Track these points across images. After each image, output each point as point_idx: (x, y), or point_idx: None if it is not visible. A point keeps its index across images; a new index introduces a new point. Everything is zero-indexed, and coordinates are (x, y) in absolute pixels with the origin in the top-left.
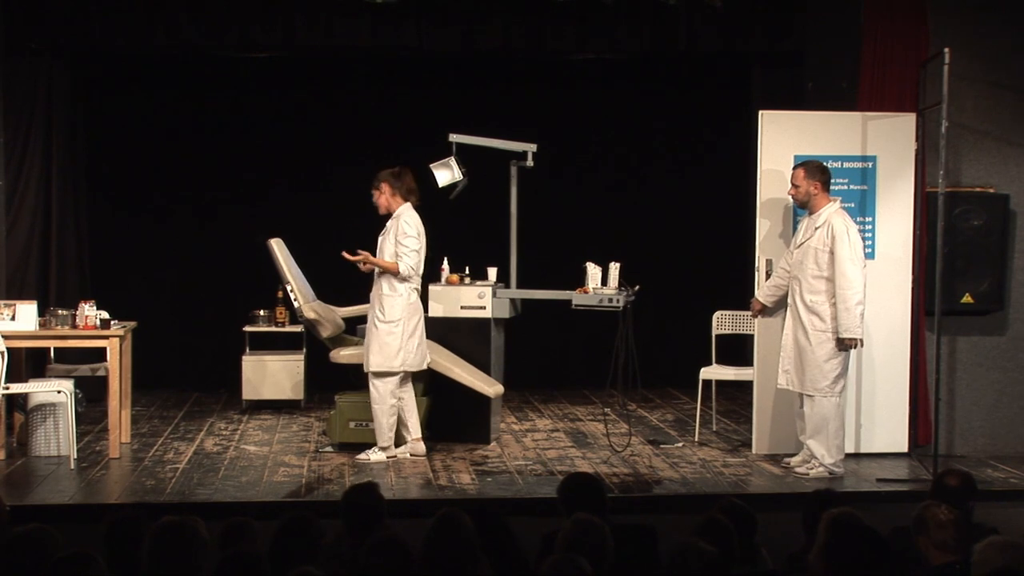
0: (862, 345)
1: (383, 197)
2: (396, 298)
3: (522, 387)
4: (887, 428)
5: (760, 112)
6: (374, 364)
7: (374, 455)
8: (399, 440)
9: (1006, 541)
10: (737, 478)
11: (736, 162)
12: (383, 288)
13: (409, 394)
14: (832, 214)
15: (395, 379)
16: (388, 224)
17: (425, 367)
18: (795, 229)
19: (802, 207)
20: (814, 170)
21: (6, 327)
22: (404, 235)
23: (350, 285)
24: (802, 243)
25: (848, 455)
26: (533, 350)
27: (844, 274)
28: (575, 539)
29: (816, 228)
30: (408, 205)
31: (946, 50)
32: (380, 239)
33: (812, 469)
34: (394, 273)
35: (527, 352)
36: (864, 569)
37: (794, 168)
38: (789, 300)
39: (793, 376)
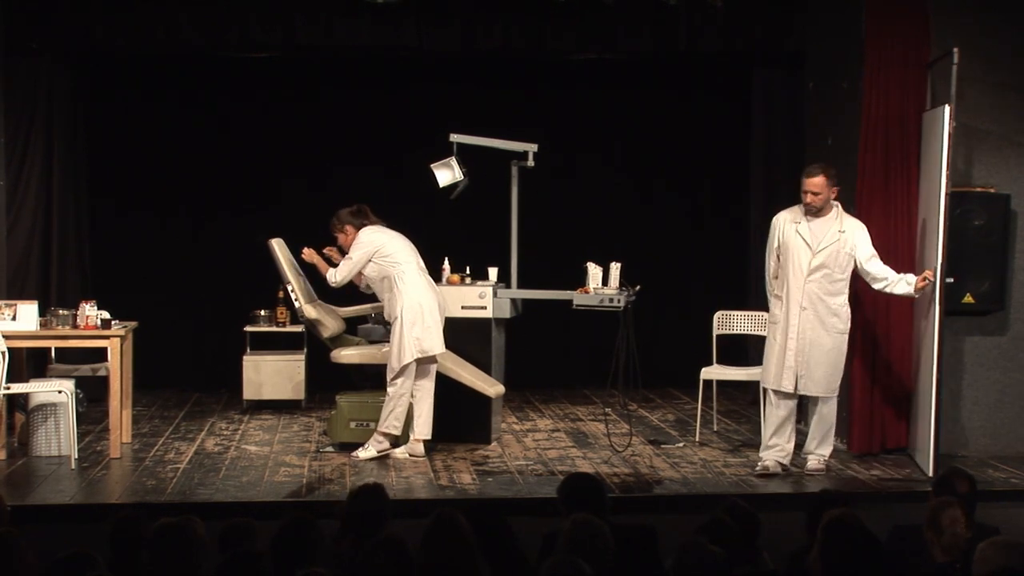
0: None
1: (349, 239)
2: (394, 297)
3: (523, 387)
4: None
5: (944, 106)
6: (392, 366)
7: (363, 452)
8: (402, 439)
9: (1006, 541)
10: (738, 478)
11: (736, 161)
12: (387, 292)
13: (425, 393)
14: (845, 215)
15: (409, 374)
16: None
17: (433, 353)
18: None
19: (815, 214)
20: (832, 175)
21: (7, 327)
22: (352, 247)
23: (351, 285)
24: (826, 247)
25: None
26: (534, 350)
27: (879, 269)
28: (575, 539)
29: (840, 231)
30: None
31: (955, 50)
32: None
33: (808, 461)
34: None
35: (528, 352)
36: (859, 571)
37: (814, 175)
38: (803, 303)
39: (808, 381)
